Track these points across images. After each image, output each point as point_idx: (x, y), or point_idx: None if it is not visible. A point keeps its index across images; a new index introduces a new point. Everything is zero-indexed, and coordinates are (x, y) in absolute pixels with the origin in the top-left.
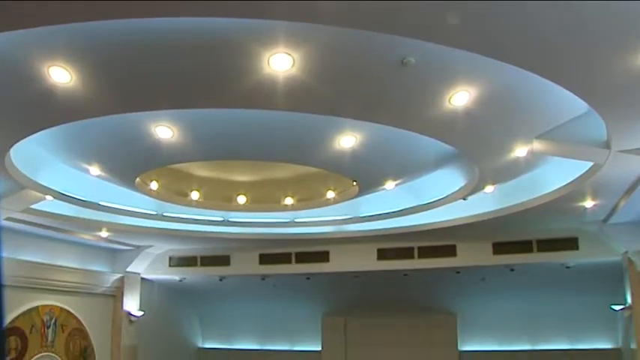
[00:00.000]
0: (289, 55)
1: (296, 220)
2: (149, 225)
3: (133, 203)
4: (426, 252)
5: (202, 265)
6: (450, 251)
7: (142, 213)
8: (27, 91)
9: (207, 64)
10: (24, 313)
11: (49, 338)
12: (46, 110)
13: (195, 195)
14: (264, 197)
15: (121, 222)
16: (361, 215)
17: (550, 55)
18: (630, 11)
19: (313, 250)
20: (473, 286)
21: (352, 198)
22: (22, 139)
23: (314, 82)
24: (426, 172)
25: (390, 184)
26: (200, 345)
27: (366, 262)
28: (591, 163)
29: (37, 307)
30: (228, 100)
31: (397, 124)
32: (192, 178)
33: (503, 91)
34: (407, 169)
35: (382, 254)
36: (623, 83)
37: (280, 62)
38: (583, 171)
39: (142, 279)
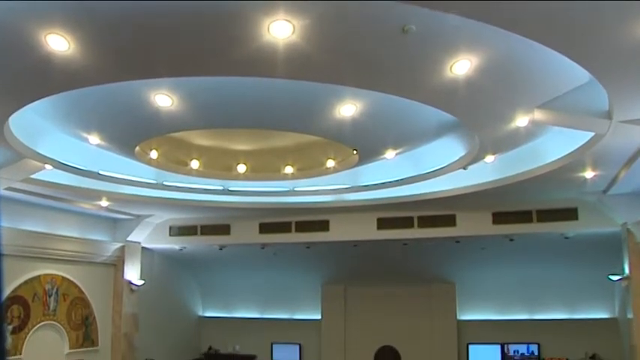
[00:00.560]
0: (289, 22)
1: (296, 189)
2: (149, 194)
3: (133, 172)
4: (425, 221)
5: (202, 234)
6: (449, 221)
7: (142, 182)
8: (24, 60)
9: (206, 31)
10: (26, 282)
11: (51, 307)
12: (44, 79)
13: (195, 164)
14: (264, 166)
15: (121, 191)
16: (361, 184)
17: (554, 24)
18: None
19: (313, 219)
20: (472, 256)
21: (352, 167)
22: (21, 108)
23: (314, 50)
24: (426, 142)
25: (390, 153)
26: (200, 313)
27: (366, 231)
28: (592, 134)
29: (38, 277)
30: (228, 68)
31: (398, 92)
32: (192, 147)
33: (504, 60)
34: (407, 138)
35: (382, 223)
36: (627, 52)
37: (280, 29)
38: (584, 141)
39: (143, 248)
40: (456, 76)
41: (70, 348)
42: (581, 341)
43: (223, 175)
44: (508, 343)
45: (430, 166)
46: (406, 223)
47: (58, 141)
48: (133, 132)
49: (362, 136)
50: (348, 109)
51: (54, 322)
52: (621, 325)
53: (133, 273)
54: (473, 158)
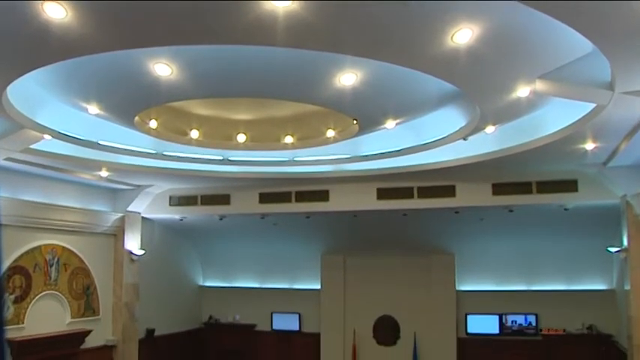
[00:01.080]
0: None
1: (296, 159)
2: (149, 164)
3: (133, 142)
4: (425, 192)
5: (202, 204)
6: (449, 191)
7: (141, 152)
8: (22, 29)
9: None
10: (27, 252)
11: (52, 277)
12: (41, 48)
13: (194, 133)
14: (264, 136)
15: (121, 161)
16: (361, 154)
17: None
18: None
19: (313, 189)
20: (471, 227)
21: (352, 137)
22: (18, 77)
23: (314, 18)
24: (426, 112)
25: (390, 123)
26: (201, 283)
27: (366, 201)
28: (593, 105)
29: (39, 247)
30: (228, 37)
31: (398, 61)
32: (192, 117)
33: (506, 29)
34: (407, 107)
35: (382, 194)
36: (631, 23)
37: None
38: (585, 113)
39: (143, 218)
40: (458, 45)
41: (72, 317)
42: (579, 312)
43: (223, 145)
44: (506, 314)
45: (430, 136)
46: (406, 193)
47: (57, 111)
48: (132, 101)
49: (362, 106)
50: (348, 78)
51: (55, 292)
52: (619, 297)
53: (133, 243)
54: (473, 129)
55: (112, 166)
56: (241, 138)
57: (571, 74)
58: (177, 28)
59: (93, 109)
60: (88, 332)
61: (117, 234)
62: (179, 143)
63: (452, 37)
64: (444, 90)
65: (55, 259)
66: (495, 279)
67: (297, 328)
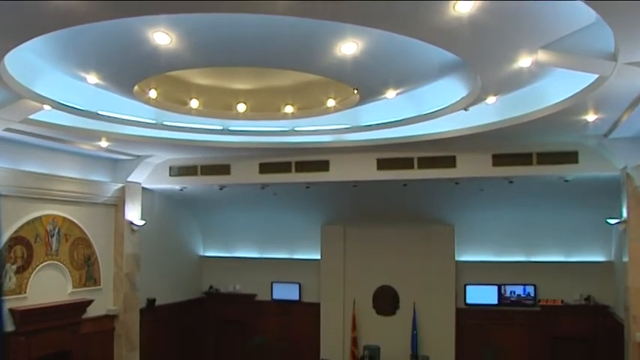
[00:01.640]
0: None
1: (296, 129)
2: (149, 134)
3: (132, 112)
4: (425, 162)
5: (202, 174)
6: (449, 162)
7: (141, 122)
8: None
9: None
10: (28, 223)
11: (54, 247)
12: (38, 16)
13: (194, 103)
14: (264, 105)
15: (121, 131)
16: (361, 124)
17: None
18: None
19: (313, 159)
20: (471, 198)
21: (353, 106)
22: (16, 46)
23: None
24: (427, 82)
25: (391, 93)
26: (201, 253)
27: (366, 171)
28: (596, 76)
29: (40, 217)
30: (228, 5)
31: (400, 30)
32: (192, 86)
33: None
34: (408, 77)
35: (382, 164)
36: None
37: None
38: (587, 84)
39: (143, 189)
40: (460, 14)
41: (73, 287)
42: (577, 283)
43: (223, 115)
44: (505, 285)
45: (431, 106)
46: (406, 163)
47: (56, 81)
48: (131, 71)
49: (363, 75)
50: (349, 47)
51: (57, 262)
52: (616, 269)
53: (133, 213)
54: (474, 99)
55: (111, 137)
56: (241, 108)
57: (574, 45)
58: None
59: (92, 78)
60: (90, 302)
61: (117, 204)
62: (179, 113)
63: (454, 6)
64: (446, 60)
65: (56, 230)
66: (494, 250)
67: (297, 298)
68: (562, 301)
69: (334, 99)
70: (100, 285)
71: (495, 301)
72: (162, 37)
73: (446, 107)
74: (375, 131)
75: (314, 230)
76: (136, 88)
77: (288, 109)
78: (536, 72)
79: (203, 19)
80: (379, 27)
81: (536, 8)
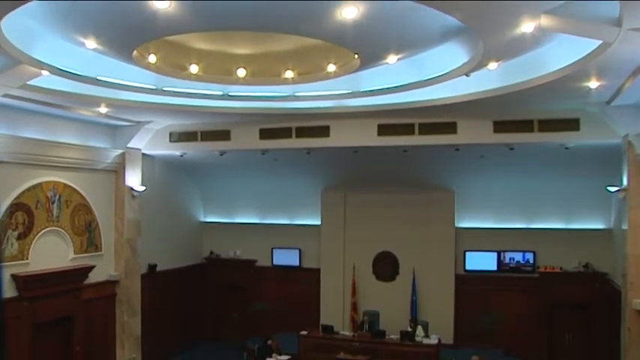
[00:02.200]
0: None
1: (296, 94)
2: (148, 100)
3: (132, 78)
4: (426, 128)
5: (203, 140)
6: (450, 128)
7: (140, 87)
8: None
9: None
10: (28, 189)
11: (54, 213)
12: None
13: (194, 68)
14: (264, 70)
15: (120, 97)
16: (362, 90)
17: None
18: None
19: (314, 125)
20: (472, 164)
21: (354, 71)
22: (12, 10)
23: None
24: (429, 47)
25: (392, 58)
26: (202, 219)
27: (367, 137)
28: (599, 42)
29: (40, 184)
30: None
31: None
32: (191, 51)
33: None
34: (410, 42)
35: (382, 130)
36: None
37: None
38: (590, 50)
39: (143, 155)
40: None
41: (75, 253)
42: (576, 251)
43: (223, 80)
44: (504, 251)
45: (432, 72)
46: (407, 129)
47: (54, 46)
48: (130, 35)
49: (364, 40)
50: (350, 11)
51: (58, 229)
52: (615, 236)
53: (134, 179)
54: (476, 65)
55: (111, 102)
56: (241, 73)
57: (577, 10)
58: None
59: (90, 43)
60: (91, 268)
61: (117, 170)
62: (178, 78)
63: None
64: (447, 25)
65: (57, 196)
66: (494, 217)
67: (297, 264)
68: (561, 268)
69: (335, 64)
70: (101, 251)
71: (494, 268)
72: (161, 0)
73: (447, 73)
74: (375, 97)
75: (314, 196)
76: (135, 53)
77: (289, 74)
78: (539, 37)
79: None
80: None
81: None
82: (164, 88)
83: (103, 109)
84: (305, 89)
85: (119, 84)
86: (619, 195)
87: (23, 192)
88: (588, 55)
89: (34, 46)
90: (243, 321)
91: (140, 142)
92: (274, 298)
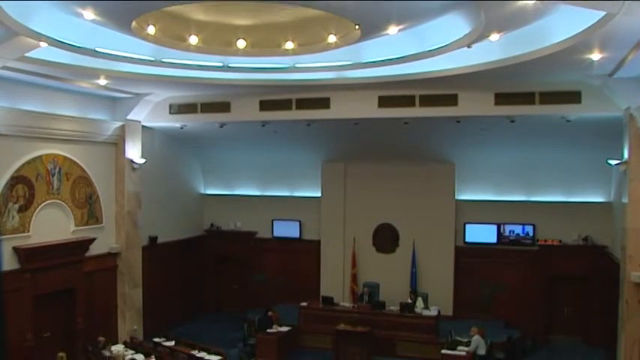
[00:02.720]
0: None
1: (297, 66)
2: (148, 72)
3: (131, 50)
4: (427, 100)
5: (202, 111)
6: (451, 100)
7: (140, 59)
8: None
9: None
10: (28, 162)
11: (55, 186)
12: None
13: (193, 39)
14: (264, 41)
15: (119, 69)
16: (363, 61)
17: None
18: None
19: (314, 97)
20: (472, 137)
21: (354, 42)
22: None
23: None
24: (430, 18)
25: (393, 29)
26: (202, 191)
27: (367, 109)
28: (603, 13)
29: (40, 156)
30: None
31: None
32: (191, 22)
33: None
34: (411, 13)
35: (383, 102)
36: None
37: None
38: (593, 21)
39: (143, 127)
40: None
41: (76, 225)
42: (575, 224)
43: (223, 51)
44: (504, 224)
45: (433, 43)
46: (407, 101)
47: (52, 17)
48: (128, 5)
49: (364, 10)
50: None
51: (58, 201)
52: (615, 210)
53: (134, 152)
54: (477, 36)
55: (110, 74)
56: (241, 44)
57: None
58: None
59: (88, 14)
60: (92, 240)
61: (117, 143)
62: (178, 49)
63: None
64: None
65: (57, 169)
66: (495, 189)
67: (297, 236)
68: (560, 241)
69: (335, 35)
70: (102, 223)
71: (494, 240)
72: None
73: (448, 44)
74: (376, 68)
75: (315, 168)
76: (134, 24)
77: (289, 45)
78: (542, 9)
79: None
80: None
81: None
82: (163, 60)
83: (102, 81)
84: (305, 60)
85: (118, 56)
86: (620, 168)
87: (23, 165)
88: (591, 26)
89: (32, 18)
90: (243, 292)
91: (140, 115)
92: (274, 270)
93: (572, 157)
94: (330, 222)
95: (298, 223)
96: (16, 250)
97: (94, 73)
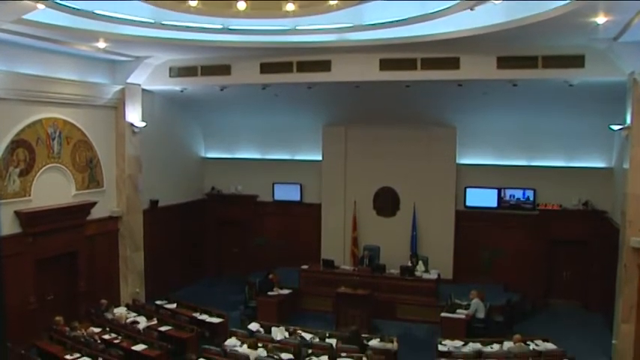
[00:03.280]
0: None
1: (297, 28)
2: (147, 34)
3: (130, 12)
4: (428, 63)
5: (203, 74)
6: (453, 63)
7: (139, 22)
8: None
9: None
10: (29, 126)
11: (55, 150)
12: None
13: (193, 1)
14: (265, 3)
15: (118, 31)
16: (364, 24)
17: None
18: None
19: (315, 60)
20: (474, 101)
21: (356, 4)
22: None
23: None
24: None
25: None
26: (203, 155)
27: (368, 72)
28: None
29: (40, 120)
30: None
31: None
32: None
33: None
34: None
35: (384, 64)
36: None
37: None
38: None
39: (143, 90)
40: None
41: (77, 189)
42: (576, 189)
43: (223, 13)
44: (505, 188)
45: (436, 5)
46: (409, 64)
47: None
48: None
49: None
50: None
51: (59, 165)
52: (616, 175)
53: (134, 115)
54: None
55: (109, 37)
56: (241, 5)
57: None
58: None
59: None
60: (94, 204)
61: (117, 106)
62: (177, 11)
63: None
64: None
65: (57, 133)
66: (496, 153)
67: (298, 199)
68: (560, 206)
69: None
70: (103, 187)
71: (495, 205)
72: None
73: (451, 7)
74: (378, 31)
75: (315, 131)
76: None
77: (290, 6)
78: None
79: None
80: None
81: None
82: (163, 22)
83: (101, 44)
84: (306, 23)
85: (117, 18)
86: (622, 133)
87: (23, 129)
88: None
89: None
90: (244, 256)
91: (140, 78)
92: (275, 234)
93: (574, 122)
94: (330, 185)
95: (299, 186)
96: (17, 214)
97: (93, 35)
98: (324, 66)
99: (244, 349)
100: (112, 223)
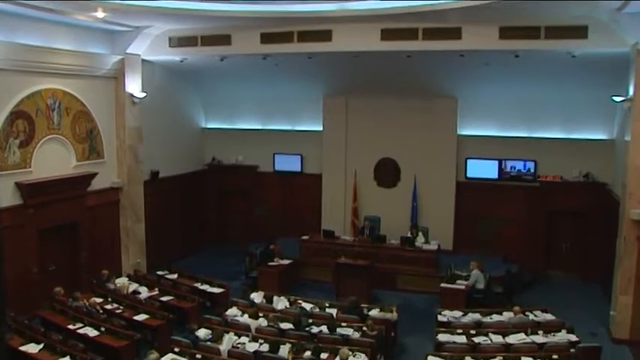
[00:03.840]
0: None
1: None
2: (146, 4)
3: None
4: (430, 34)
5: (203, 44)
6: (455, 34)
7: None
8: None
9: None
10: (28, 97)
11: (55, 121)
12: None
13: None
14: None
15: (117, 1)
16: None
17: None
18: None
19: (315, 29)
20: (476, 71)
21: None
22: None
23: None
24: None
25: None
26: (203, 125)
27: (370, 42)
28: None
29: (40, 91)
30: None
31: None
32: None
33: None
34: None
35: (386, 34)
36: None
37: None
38: None
39: (143, 60)
40: None
41: (77, 160)
42: (577, 161)
43: None
44: (506, 159)
45: None
46: (410, 34)
47: None
48: None
49: None
50: None
51: (59, 136)
52: (617, 147)
53: (134, 86)
54: None
55: (107, 6)
56: None
57: None
58: None
59: None
60: (94, 175)
61: (117, 77)
62: None
63: None
64: None
65: (57, 104)
66: (497, 125)
67: (299, 169)
68: (561, 178)
69: None
70: (103, 158)
71: (495, 176)
72: None
73: None
74: (379, 0)
75: (316, 102)
76: None
77: None
78: None
79: None
80: None
81: None
82: None
83: (99, 14)
84: None
85: None
86: (624, 105)
87: (23, 100)
88: None
89: None
90: (245, 226)
91: (139, 48)
92: (276, 204)
93: (575, 93)
94: (331, 156)
95: (300, 157)
96: (18, 185)
97: (92, 5)
98: (325, 36)
99: (245, 318)
100: (112, 194)
